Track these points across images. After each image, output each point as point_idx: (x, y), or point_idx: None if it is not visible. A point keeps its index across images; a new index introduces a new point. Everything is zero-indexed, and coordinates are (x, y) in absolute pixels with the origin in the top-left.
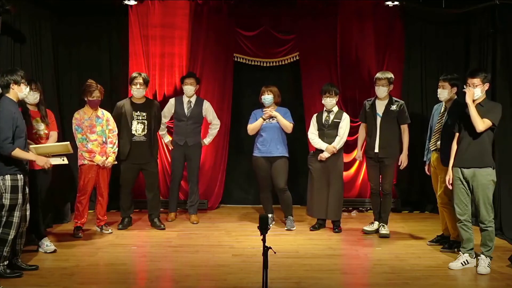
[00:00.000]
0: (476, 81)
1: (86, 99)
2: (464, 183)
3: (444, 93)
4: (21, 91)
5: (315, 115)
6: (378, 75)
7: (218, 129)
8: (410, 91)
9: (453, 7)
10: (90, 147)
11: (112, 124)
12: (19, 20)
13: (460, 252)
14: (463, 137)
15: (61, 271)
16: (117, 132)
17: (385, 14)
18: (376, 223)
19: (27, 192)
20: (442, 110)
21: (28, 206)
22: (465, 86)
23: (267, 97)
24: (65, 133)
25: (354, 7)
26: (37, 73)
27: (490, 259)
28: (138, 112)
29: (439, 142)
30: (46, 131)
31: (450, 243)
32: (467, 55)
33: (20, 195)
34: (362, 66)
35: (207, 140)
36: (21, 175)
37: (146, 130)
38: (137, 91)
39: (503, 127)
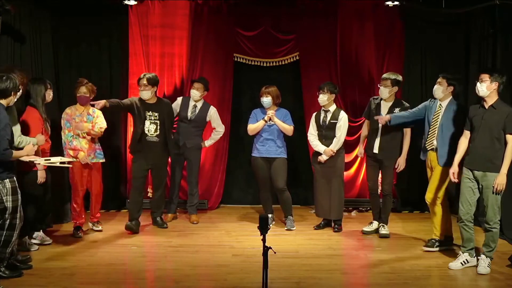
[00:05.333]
0: (484, 76)
1: (77, 95)
2: (474, 182)
3: (439, 90)
4: (15, 99)
5: (314, 115)
6: (383, 75)
7: (221, 135)
8: (410, 91)
9: (453, 7)
10: (75, 144)
11: (100, 120)
12: (19, 20)
13: (460, 252)
14: (475, 138)
15: (61, 271)
16: (105, 127)
17: (385, 14)
18: (375, 222)
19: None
20: (437, 109)
21: (20, 208)
22: (476, 82)
23: (266, 100)
24: None
25: (354, 7)
26: (37, 73)
27: (491, 259)
28: (151, 112)
29: (435, 142)
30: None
31: (442, 242)
32: (467, 55)
33: (19, 196)
34: (362, 66)
35: (207, 143)
36: (15, 177)
37: (158, 130)
38: (141, 93)
39: None
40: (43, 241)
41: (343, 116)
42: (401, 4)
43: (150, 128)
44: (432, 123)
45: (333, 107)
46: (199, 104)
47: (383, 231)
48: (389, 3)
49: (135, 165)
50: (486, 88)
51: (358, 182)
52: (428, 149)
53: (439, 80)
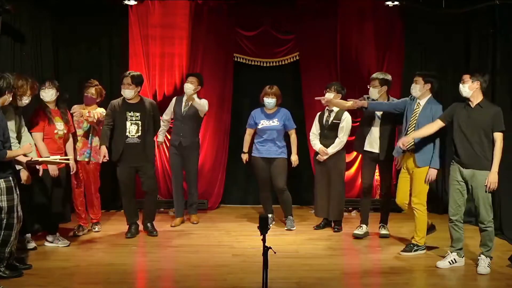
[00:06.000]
0: (465, 77)
1: (84, 94)
2: (462, 183)
3: (416, 88)
4: (10, 98)
5: (318, 114)
6: (372, 75)
7: (204, 104)
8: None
9: (453, 7)
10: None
11: (93, 114)
12: (19, 20)
13: (448, 251)
14: (463, 137)
15: (61, 271)
16: (95, 120)
17: (385, 14)
18: (365, 226)
19: (18, 192)
20: (415, 107)
21: (19, 208)
22: (459, 83)
23: (270, 101)
24: None
25: (354, 7)
26: (37, 73)
27: (490, 259)
28: (132, 112)
29: (412, 142)
30: (65, 131)
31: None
32: (467, 55)
33: (15, 195)
34: (362, 66)
35: (196, 98)
36: (11, 177)
37: (140, 131)
38: (124, 92)
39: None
40: (63, 243)
41: (346, 117)
42: (401, 4)
43: (131, 129)
44: (410, 122)
45: (337, 108)
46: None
47: (383, 231)
48: (389, 3)
49: (118, 169)
50: (469, 88)
51: (358, 182)
52: (408, 149)
53: (415, 78)
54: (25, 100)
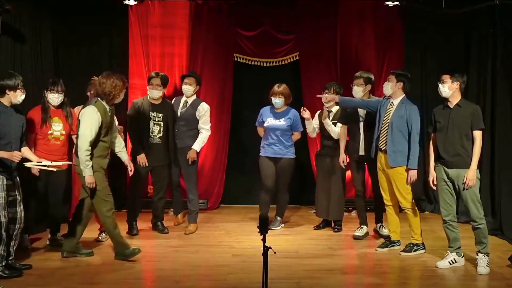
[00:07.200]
0: (445, 77)
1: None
2: (449, 184)
3: (387, 86)
4: (16, 97)
5: (317, 113)
6: (356, 74)
7: (206, 137)
8: (410, 91)
9: (453, 7)
10: None
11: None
12: (19, 20)
13: (448, 251)
14: (445, 138)
15: (61, 271)
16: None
17: (385, 14)
18: (365, 227)
19: (17, 193)
20: (388, 107)
21: (21, 208)
22: (438, 83)
23: (278, 101)
24: None
25: (354, 7)
26: (37, 73)
27: (488, 256)
28: (155, 113)
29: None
30: (64, 132)
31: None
32: (467, 55)
33: (2, 194)
34: (362, 66)
35: (195, 146)
36: (3, 176)
37: (162, 132)
38: (151, 92)
39: (503, 127)
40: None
41: None
42: (401, 4)
43: (154, 129)
44: (383, 121)
45: (336, 108)
46: (190, 100)
47: (383, 231)
48: (389, 3)
49: (136, 168)
50: (448, 89)
51: None
52: (382, 148)
53: (389, 76)
54: (122, 96)
